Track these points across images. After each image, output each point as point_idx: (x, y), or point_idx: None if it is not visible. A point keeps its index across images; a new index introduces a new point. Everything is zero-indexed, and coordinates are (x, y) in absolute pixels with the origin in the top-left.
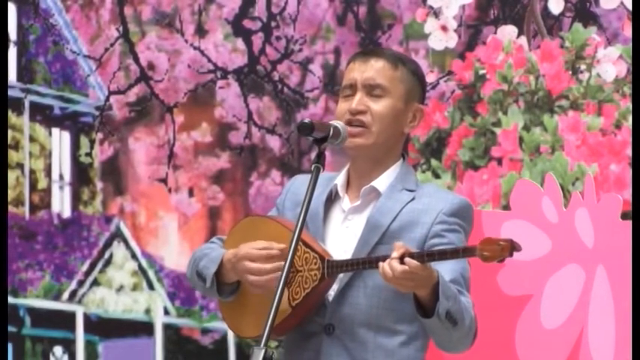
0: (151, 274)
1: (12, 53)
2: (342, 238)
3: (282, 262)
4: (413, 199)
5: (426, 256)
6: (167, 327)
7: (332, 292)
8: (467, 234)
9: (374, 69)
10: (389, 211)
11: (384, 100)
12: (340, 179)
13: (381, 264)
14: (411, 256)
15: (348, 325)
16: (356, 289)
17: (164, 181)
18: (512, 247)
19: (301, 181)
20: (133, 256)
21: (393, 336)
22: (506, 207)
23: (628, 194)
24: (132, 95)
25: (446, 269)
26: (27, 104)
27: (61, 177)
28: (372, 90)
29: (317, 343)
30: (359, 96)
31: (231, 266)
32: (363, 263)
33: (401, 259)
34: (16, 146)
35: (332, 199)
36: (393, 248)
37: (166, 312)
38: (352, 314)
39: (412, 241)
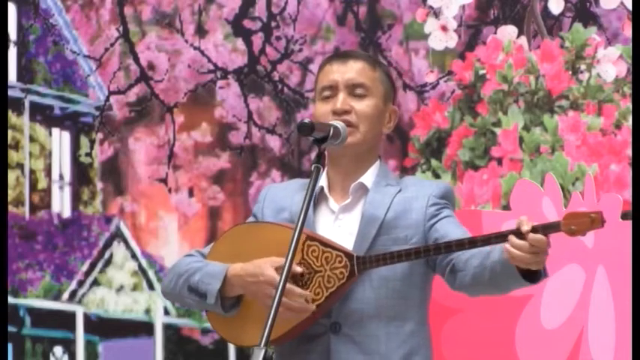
0: (151, 274)
1: (12, 53)
2: (336, 237)
3: (308, 292)
4: (399, 190)
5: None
6: (167, 327)
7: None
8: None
9: (354, 69)
10: (381, 204)
11: (367, 99)
12: (323, 181)
13: (509, 248)
14: (514, 233)
15: (356, 321)
16: (362, 284)
17: (164, 181)
18: (602, 219)
19: (278, 188)
20: (133, 256)
21: (404, 324)
22: (507, 207)
23: (628, 194)
24: (132, 95)
25: (457, 234)
26: (27, 104)
27: (61, 177)
28: (354, 89)
29: (323, 343)
30: (342, 96)
31: (241, 283)
32: (399, 257)
33: (470, 242)
34: (16, 146)
35: (316, 201)
36: (519, 224)
37: (166, 312)
38: (360, 309)
39: (409, 227)
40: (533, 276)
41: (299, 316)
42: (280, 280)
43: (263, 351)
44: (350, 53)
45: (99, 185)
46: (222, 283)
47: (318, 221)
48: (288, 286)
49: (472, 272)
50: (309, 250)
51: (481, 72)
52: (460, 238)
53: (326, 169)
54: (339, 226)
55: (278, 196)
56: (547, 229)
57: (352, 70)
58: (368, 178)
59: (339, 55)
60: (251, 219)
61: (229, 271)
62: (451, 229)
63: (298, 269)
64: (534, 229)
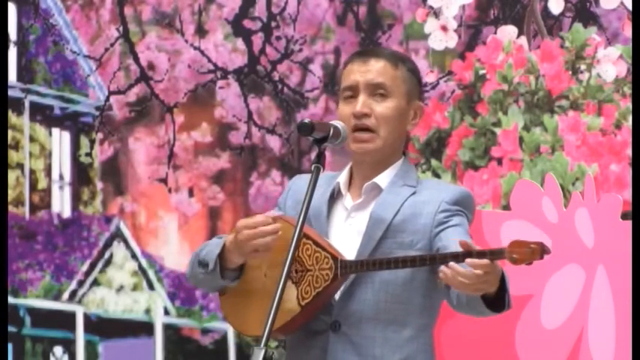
0: (151, 274)
1: (12, 53)
2: (345, 235)
3: (279, 225)
4: (414, 193)
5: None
6: (167, 327)
7: (338, 290)
8: (469, 221)
9: (375, 69)
10: (390, 205)
11: (388, 100)
12: (343, 177)
13: (445, 271)
14: (467, 255)
15: (355, 321)
16: (363, 285)
17: (164, 181)
18: (542, 250)
19: (303, 180)
20: (133, 256)
21: (402, 330)
22: (507, 207)
23: (628, 194)
24: (132, 95)
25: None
26: (27, 104)
27: (61, 177)
28: (375, 90)
29: (323, 340)
30: (362, 98)
31: (234, 246)
32: (380, 264)
33: (431, 258)
34: (16, 146)
35: (334, 197)
36: (460, 246)
37: (166, 312)
38: (360, 310)
39: (416, 232)
40: (496, 304)
41: (288, 313)
42: (281, 279)
43: (263, 351)
44: (372, 51)
45: (99, 185)
46: (222, 251)
47: (332, 218)
48: (252, 220)
49: (457, 293)
50: (303, 248)
51: (481, 72)
52: (422, 254)
53: (350, 165)
54: (350, 224)
55: (302, 188)
56: (494, 254)
57: (373, 71)
58: (384, 178)
59: (362, 54)
60: (275, 209)
61: (227, 239)
62: (453, 240)
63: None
64: (481, 254)
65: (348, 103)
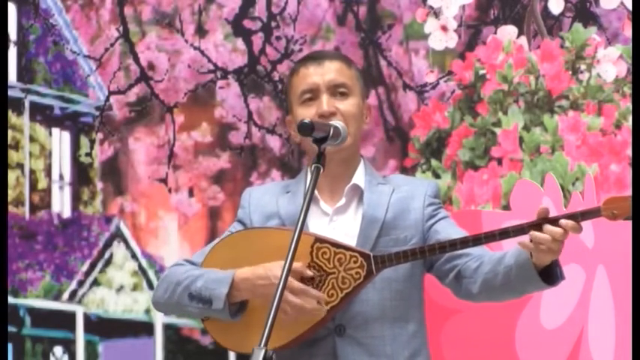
0: (151, 274)
1: (12, 53)
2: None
3: (322, 294)
4: (393, 190)
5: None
6: (167, 327)
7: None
8: None
9: (333, 70)
10: (379, 204)
11: (350, 98)
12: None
13: (537, 233)
14: (548, 220)
15: (360, 323)
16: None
17: (164, 181)
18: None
19: (260, 192)
20: (133, 256)
21: (407, 325)
22: (507, 207)
23: (628, 194)
24: (132, 95)
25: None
26: (27, 104)
27: (61, 177)
28: (336, 90)
29: (328, 346)
30: (325, 98)
31: (249, 287)
32: (413, 254)
33: (487, 237)
34: (16, 146)
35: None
36: (545, 212)
37: None
38: (364, 311)
39: (409, 228)
40: (549, 278)
41: (312, 318)
42: (280, 281)
43: (263, 351)
44: (323, 54)
45: (99, 185)
46: (229, 288)
47: (309, 223)
48: (303, 287)
49: (482, 278)
50: (319, 253)
51: (481, 72)
52: (477, 234)
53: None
54: (334, 227)
55: (263, 201)
56: (586, 215)
57: (331, 71)
58: (359, 178)
59: (313, 57)
60: (237, 225)
61: (237, 276)
62: (452, 231)
63: (309, 273)
64: (573, 217)
65: (308, 106)
